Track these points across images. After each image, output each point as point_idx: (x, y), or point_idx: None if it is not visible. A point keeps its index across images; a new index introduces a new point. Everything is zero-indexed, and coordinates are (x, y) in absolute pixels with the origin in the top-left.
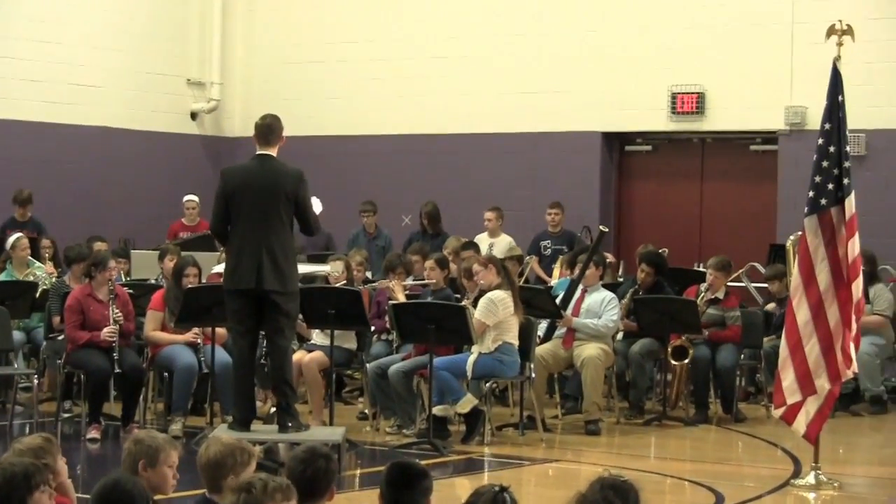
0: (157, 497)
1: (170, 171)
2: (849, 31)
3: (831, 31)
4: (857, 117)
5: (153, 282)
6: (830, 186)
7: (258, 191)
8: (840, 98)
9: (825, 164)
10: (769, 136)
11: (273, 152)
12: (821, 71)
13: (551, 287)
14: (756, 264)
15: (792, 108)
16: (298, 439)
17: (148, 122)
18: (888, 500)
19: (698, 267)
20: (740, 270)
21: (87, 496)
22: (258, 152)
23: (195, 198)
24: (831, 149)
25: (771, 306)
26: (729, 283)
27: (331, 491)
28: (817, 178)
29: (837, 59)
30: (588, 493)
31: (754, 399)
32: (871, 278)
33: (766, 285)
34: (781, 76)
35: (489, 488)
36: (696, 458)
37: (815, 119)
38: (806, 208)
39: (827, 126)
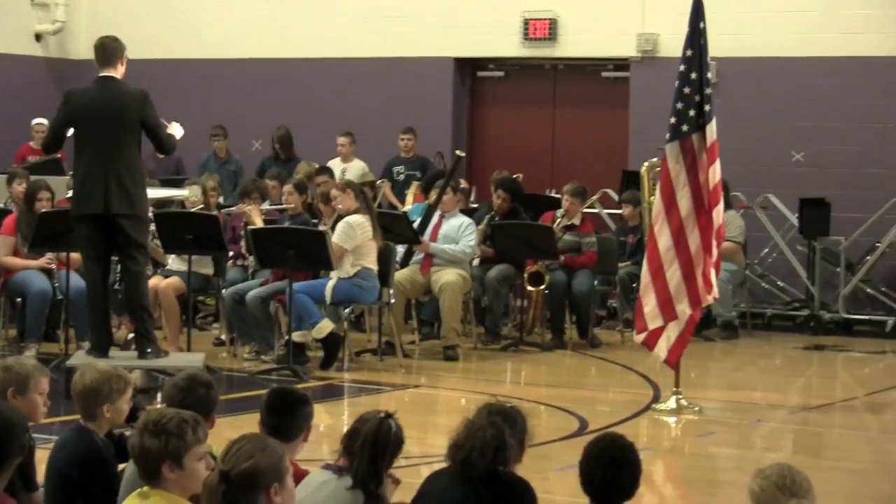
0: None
1: (14, 94)
2: None
3: None
4: (709, 45)
5: (1, 206)
6: (692, 113)
7: (101, 114)
8: (702, 25)
9: (686, 90)
10: (621, 63)
11: (116, 74)
12: None
13: (406, 212)
14: (609, 191)
15: (644, 35)
16: (157, 365)
17: None
18: (748, 423)
19: (550, 193)
20: (594, 197)
21: None
22: (100, 74)
23: (45, 121)
24: (692, 76)
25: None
26: (583, 210)
27: (211, 419)
28: (679, 105)
29: None
30: (475, 420)
31: (607, 324)
32: (724, 205)
33: (619, 212)
34: (633, 3)
35: (374, 415)
36: (553, 384)
37: (666, 47)
38: (667, 134)
39: (688, 53)
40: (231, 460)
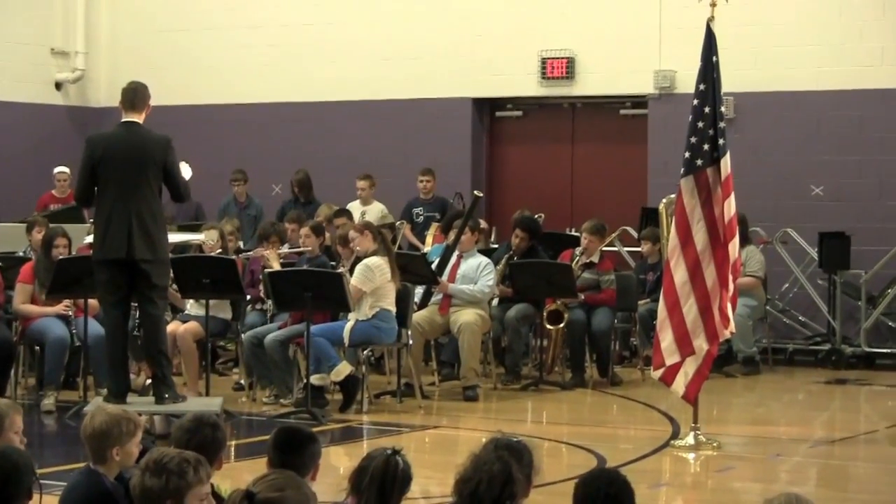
0: None
1: (35, 142)
2: None
3: None
4: (726, 80)
5: (21, 254)
6: (706, 147)
7: (125, 158)
8: (714, 59)
9: (700, 124)
10: (639, 101)
11: (139, 119)
12: (689, 35)
13: (425, 253)
14: (628, 228)
15: (661, 72)
16: (176, 410)
17: (11, 92)
18: (768, 458)
19: (570, 231)
20: (613, 235)
21: None
22: (124, 119)
23: (66, 169)
24: (706, 109)
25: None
26: (602, 248)
27: (219, 460)
28: (693, 139)
29: (711, 19)
30: (482, 454)
31: (629, 362)
32: (743, 240)
33: (638, 249)
34: (650, 40)
35: (381, 452)
36: (574, 422)
37: (683, 83)
38: (682, 169)
39: (702, 87)
40: (261, 485)
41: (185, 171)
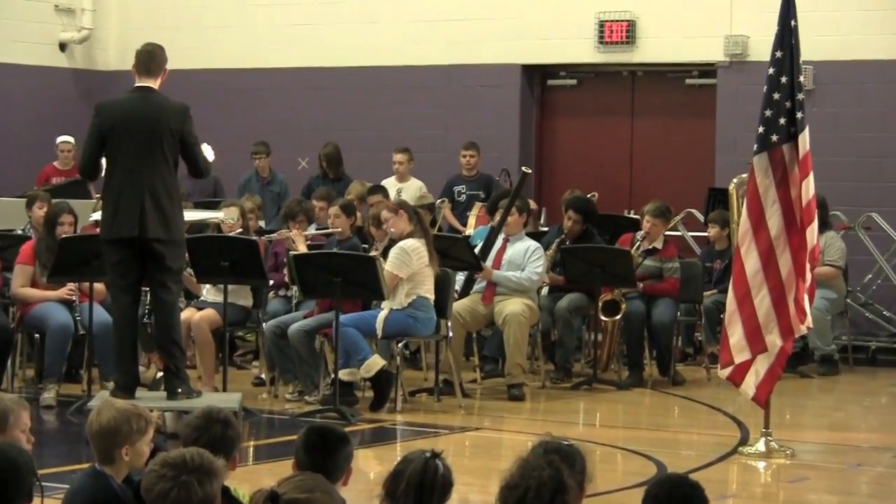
0: None
1: (36, 109)
2: None
3: None
4: (804, 47)
5: (20, 232)
6: (782, 121)
7: (138, 127)
8: (793, 23)
9: (776, 96)
10: (707, 69)
11: (154, 85)
12: None
13: (468, 236)
14: (693, 211)
15: (732, 37)
16: (189, 407)
17: (10, 53)
18: (847, 468)
19: (629, 213)
20: (677, 218)
21: None
22: (137, 84)
23: (70, 139)
24: (783, 79)
25: None
26: (665, 232)
27: (232, 460)
28: (767, 112)
29: None
30: (531, 459)
31: (692, 360)
32: (822, 225)
33: (704, 234)
34: (720, 2)
35: (418, 455)
36: (630, 425)
37: (757, 50)
38: (755, 145)
39: (778, 54)
40: (287, 486)
41: (208, 152)
